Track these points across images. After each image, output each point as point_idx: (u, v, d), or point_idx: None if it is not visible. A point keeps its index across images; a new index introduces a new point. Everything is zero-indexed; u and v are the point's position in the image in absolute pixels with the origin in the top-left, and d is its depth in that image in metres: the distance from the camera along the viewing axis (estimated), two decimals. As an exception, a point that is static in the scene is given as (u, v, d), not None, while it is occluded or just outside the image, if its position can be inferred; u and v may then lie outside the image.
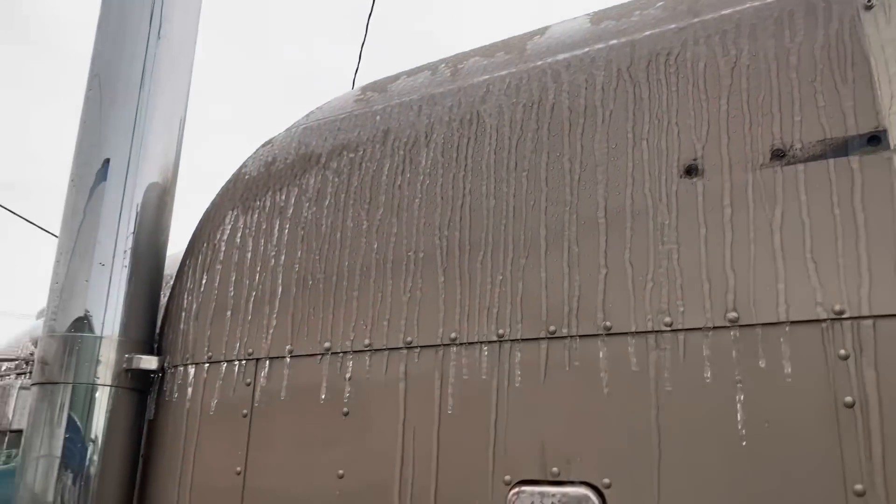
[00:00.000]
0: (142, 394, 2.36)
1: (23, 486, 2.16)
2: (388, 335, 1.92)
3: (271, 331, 2.11)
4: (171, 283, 2.52)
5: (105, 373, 2.27)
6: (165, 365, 2.33)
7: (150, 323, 2.43)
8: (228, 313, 2.20)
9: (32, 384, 2.32)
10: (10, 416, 3.26)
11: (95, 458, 2.20)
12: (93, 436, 2.22)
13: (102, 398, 2.25)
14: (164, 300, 2.50)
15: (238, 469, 2.02)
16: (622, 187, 1.73)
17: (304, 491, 1.91)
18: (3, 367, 3.43)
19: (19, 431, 3.16)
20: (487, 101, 2.02)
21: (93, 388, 2.25)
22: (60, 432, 2.21)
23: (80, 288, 2.31)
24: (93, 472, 2.20)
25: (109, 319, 2.32)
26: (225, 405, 2.12)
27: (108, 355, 2.28)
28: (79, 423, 2.22)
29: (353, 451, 1.87)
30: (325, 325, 2.03)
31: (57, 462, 2.18)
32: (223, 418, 2.11)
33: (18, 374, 3.36)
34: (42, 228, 7.25)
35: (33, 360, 3.21)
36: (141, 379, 2.35)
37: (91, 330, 2.28)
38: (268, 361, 2.08)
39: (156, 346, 2.43)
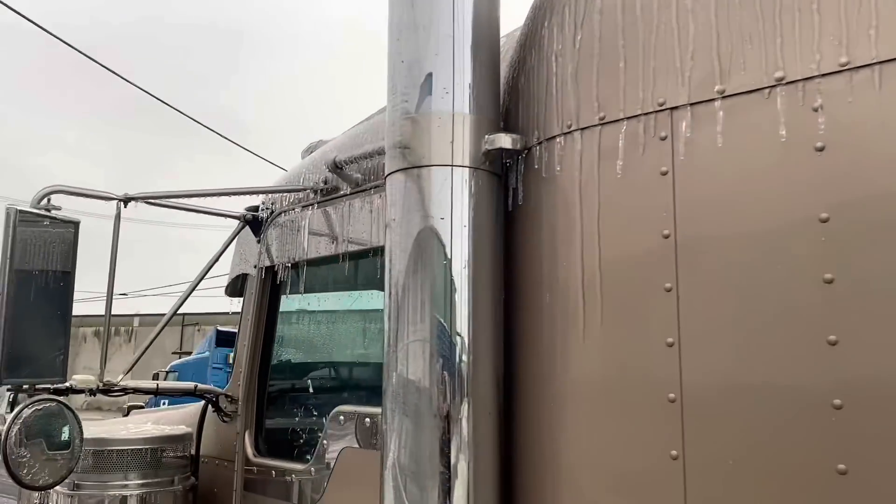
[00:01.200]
0: (498, 178, 2.11)
1: (395, 255, 1.97)
2: (877, 45, 1.51)
3: (687, 73, 1.75)
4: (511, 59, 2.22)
5: (465, 154, 2.02)
6: (534, 140, 2.04)
7: (497, 101, 2.16)
8: (621, 64, 1.86)
9: (390, 173, 2.11)
10: (306, 247, 3.16)
11: (465, 246, 1.99)
12: (462, 222, 2.00)
13: (465, 181, 2.01)
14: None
15: (666, 232, 1.72)
16: None
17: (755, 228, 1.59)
18: (289, 200, 3.34)
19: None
20: None
21: (459, 171, 2.01)
22: (426, 216, 1.99)
23: (430, 63, 2.05)
24: (463, 262, 1.98)
25: (460, 96, 2.05)
26: (634, 168, 1.81)
27: (466, 135, 2.04)
28: (444, 207, 1.99)
29: (838, 190, 1.51)
30: (770, 51, 1.64)
31: (423, 248, 1.98)
32: (633, 183, 1.81)
33: (304, 207, 3.24)
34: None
35: (323, 189, 3.06)
36: (496, 162, 2.09)
37: (448, 108, 2.02)
38: (689, 109, 1.73)
39: (501, 125, 2.17)
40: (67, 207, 3.12)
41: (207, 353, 24.44)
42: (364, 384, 3.32)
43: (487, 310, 2.02)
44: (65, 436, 2.99)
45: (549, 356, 1.97)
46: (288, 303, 3.46)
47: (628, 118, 1.84)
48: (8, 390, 3.00)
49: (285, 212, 3.39)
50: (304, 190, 3.23)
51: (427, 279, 1.99)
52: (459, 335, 1.96)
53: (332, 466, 2.87)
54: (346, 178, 3.00)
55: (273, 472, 3.21)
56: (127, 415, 5.51)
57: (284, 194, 3.44)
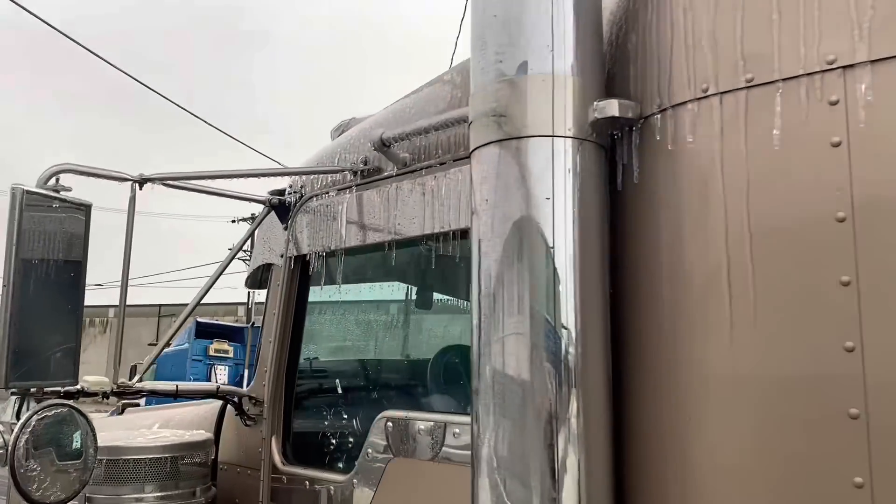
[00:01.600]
0: (605, 153, 1.83)
1: (487, 241, 1.70)
2: None
3: (866, 24, 1.47)
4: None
5: (571, 124, 1.74)
6: (654, 107, 1.76)
7: (603, 62, 1.87)
8: (775, 15, 1.58)
9: (479, 146, 1.82)
10: (344, 234, 2.86)
11: (571, 230, 1.70)
12: (568, 203, 1.72)
13: (571, 155, 1.73)
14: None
15: (840, 214, 1.45)
16: None
17: None
18: (322, 183, 3.03)
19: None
20: None
21: (563, 143, 1.72)
22: (528, 195, 1.70)
23: (530, 18, 1.75)
24: (569, 248, 1.70)
25: (564, 56, 1.77)
26: (795, 139, 1.53)
27: (572, 101, 1.75)
28: (547, 186, 1.70)
29: None
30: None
31: (524, 232, 1.70)
32: (794, 157, 1.53)
33: (340, 191, 2.93)
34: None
35: (364, 170, 2.76)
36: (603, 133, 1.81)
37: (551, 69, 1.73)
38: (869, 67, 1.45)
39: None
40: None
41: (187, 345, 23.98)
42: (409, 385, 3.03)
43: (596, 300, 1.76)
44: (77, 444, 2.67)
45: (672, 354, 1.71)
46: (320, 295, 3.16)
47: (785, 80, 1.56)
48: (13, 394, 2.66)
49: (317, 196, 3.07)
50: (342, 171, 2.92)
51: (528, 267, 1.71)
52: (566, 328, 1.69)
53: (378, 479, 2.58)
54: (394, 157, 2.70)
55: (306, 482, 2.91)
56: (122, 413, 5.16)
57: (315, 177, 3.13)
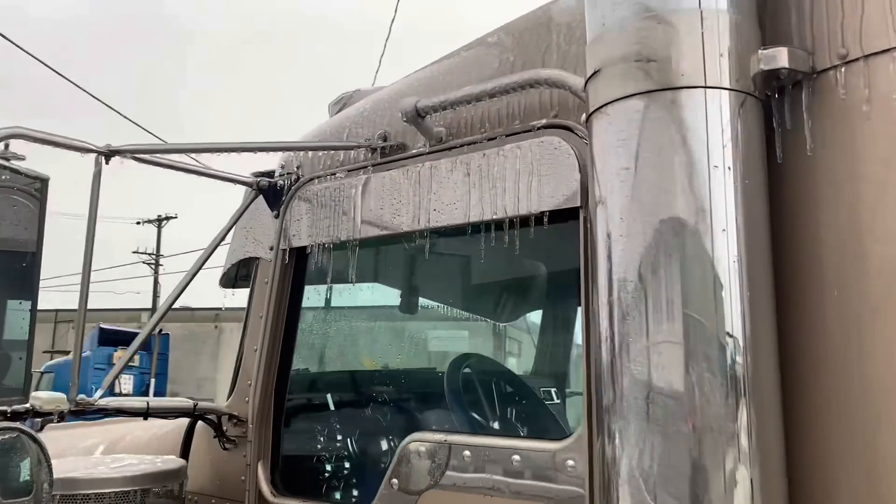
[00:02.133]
0: (766, 112, 1.49)
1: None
2: None
3: None
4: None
5: (731, 74, 1.39)
6: (834, 59, 1.43)
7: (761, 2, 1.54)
8: None
9: (614, 101, 1.45)
10: (359, 223, 2.43)
11: (736, 206, 1.36)
12: (732, 173, 1.37)
13: (734, 113, 1.38)
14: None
15: None
16: None
17: None
18: (325, 163, 2.57)
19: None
20: None
21: (725, 96, 1.37)
22: (687, 162, 1.35)
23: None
24: (733, 233, 1.35)
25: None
26: None
27: (732, 47, 1.39)
28: (714, 150, 1.35)
29: None
30: None
31: (684, 209, 1.35)
32: None
33: (352, 171, 2.50)
34: None
35: (384, 147, 2.35)
36: (762, 89, 1.47)
37: (709, 5, 1.38)
38: None
39: None
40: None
41: (89, 353, 22.65)
42: (432, 400, 2.61)
43: (764, 297, 1.41)
44: (26, 476, 2.13)
45: (857, 353, 1.38)
46: (319, 295, 2.70)
47: None
48: (-59, 416, 2.10)
49: (320, 178, 2.62)
50: (356, 148, 2.48)
51: (685, 260, 1.35)
52: (731, 335, 1.35)
53: (408, 515, 2.15)
54: (427, 131, 2.28)
55: (306, 518, 2.45)
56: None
57: (315, 157, 2.67)
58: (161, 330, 27.07)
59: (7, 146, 2.14)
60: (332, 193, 2.53)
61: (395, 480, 2.19)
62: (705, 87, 1.35)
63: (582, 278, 1.90)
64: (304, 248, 2.63)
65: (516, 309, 3.52)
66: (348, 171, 2.54)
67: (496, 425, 2.52)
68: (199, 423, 2.82)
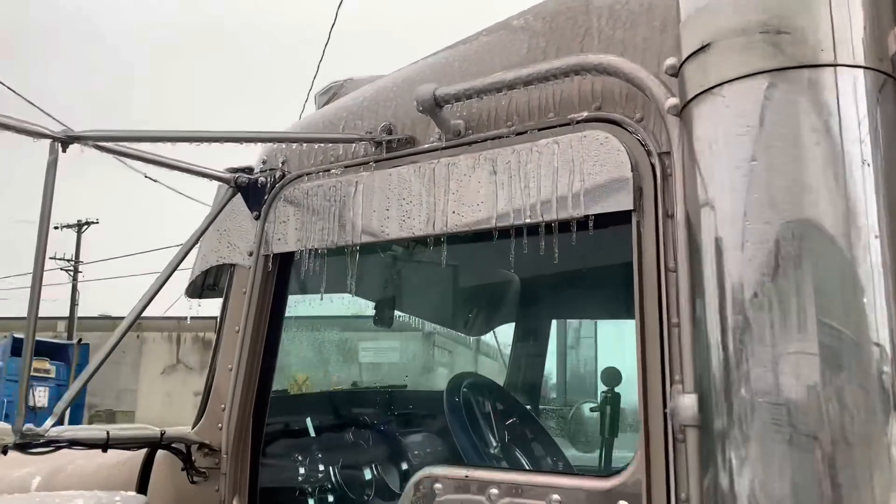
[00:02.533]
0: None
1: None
2: None
3: None
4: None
5: (868, 51, 1.19)
6: None
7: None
8: None
9: (732, 80, 1.23)
10: (359, 226, 2.15)
11: (880, 205, 1.16)
12: (878, 167, 1.16)
13: (879, 97, 1.18)
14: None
15: None
16: None
17: None
18: (315, 158, 2.27)
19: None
20: None
21: (868, 78, 1.16)
22: (830, 153, 1.14)
23: None
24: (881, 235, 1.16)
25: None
26: None
27: (867, 20, 1.20)
28: (864, 141, 1.15)
29: None
30: None
31: (822, 209, 1.14)
32: None
33: (349, 168, 2.21)
34: None
35: (389, 141, 2.09)
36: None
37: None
38: None
39: None
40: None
41: (1, 364, 21.47)
42: (441, 428, 2.33)
43: None
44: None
45: None
46: (307, 307, 2.39)
47: None
48: None
49: (310, 175, 2.32)
50: (358, 140, 2.19)
51: (819, 264, 1.13)
52: (878, 344, 1.14)
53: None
54: (444, 123, 2.02)
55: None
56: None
57: (304, 151, 2.37)
58: (80, 339, 25.76)
59: (-55, 125, 1.77)
60: (326, 192, 2.24)
61: (406, 519, 1.90)
62: (853, 65, 1.14)
63: (636, 290, 1.67)
64: (290, 254, 2.32)
65: (543, 321, 3.23)
66: (345, 167, 2.25)
67: (523, 457, 2.26)
68: (160, 451, 2.47)
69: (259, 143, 2.46)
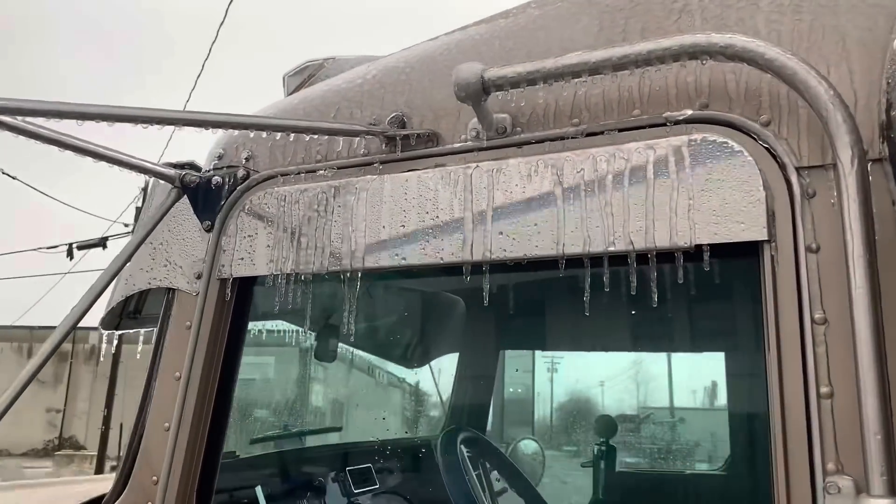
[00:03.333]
0: None
1: None
2: None
3: None
4: None
5: None
6: None
7: None
8: None
9: None
10: (361, 245, 1.65)
11: None
12: None
13: None
14: None
15: None
16: None
17: None
18: (291, 156, 1.73)
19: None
20: None
21: None
22: None
23: None
24: None
25: None
26: None
27: None
28: None
29: None
30: None
31: None
32: None
33: (344, 169, 1.70)
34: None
35: (406, 136, 1.63)
36: None
37: None
38: None
39: None
40: None
41: None
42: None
43: None
44: None
45: None
46: (278, 348, 1.83)
47: None
48: None
49: (285, 175, 1.78)
50: (362, 134, 1.67)
51: None
52: None
53: None
54: (486, 117, 1.55)
55: None
56: None
57: (272, 145, 1.83)
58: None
59: None
60: (312, 200, 1.71)
61: None
62: None
63: (767, 333, 1.27)
64: (254, 279, 1.78)
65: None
66: (338, 168, 1.73)
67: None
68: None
69: (212, 133, 1.89)
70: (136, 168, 1.79)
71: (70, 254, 22.95)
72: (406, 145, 1.65)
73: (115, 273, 1.75)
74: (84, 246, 22.90)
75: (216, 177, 1.86)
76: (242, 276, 1.77)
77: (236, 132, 1.88)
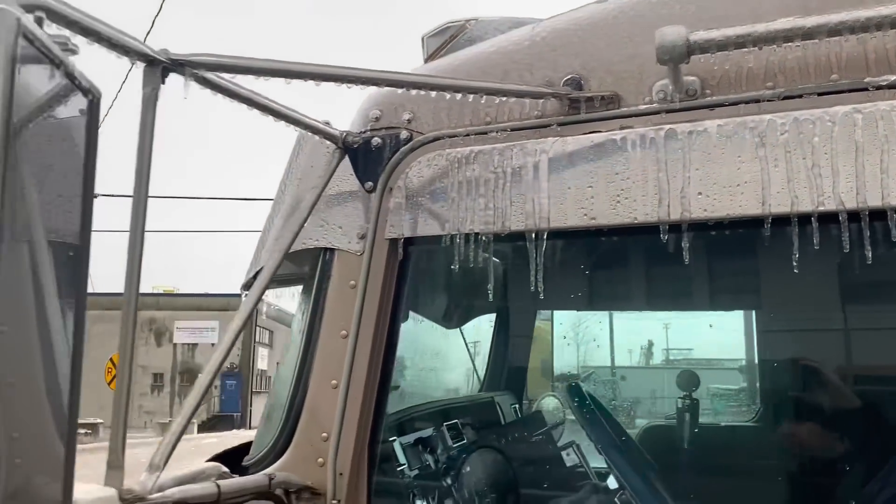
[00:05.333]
0: None
1: None
2: None
3: None
4: None
5: None
6: None
7: None
8: None
9: None
10: (561, 204, 1.70)
11: None
12: None
13: None
14: None
15: None
16: None
17: None
18: (467, 118, 1.75)
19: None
20: None
21: None
22: None
23: None
24: None
25: None
26: None
27: None
28: None
29: None
30: None
31: None
32: None
33: (535, 130, 1.73)
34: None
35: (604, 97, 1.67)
36: None
37: None
38: None
39: None
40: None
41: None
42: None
43: None
44: None
45: None
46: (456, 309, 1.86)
47: None
48: None
49: (452, 137, 1.80)
50: (552, 96, 1.70)
51: None
52: None
53: None
54: (679, 80, 1.59)
55: None
56: None
57: (435, 106, 1.84)
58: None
59: (41, 22, 1.10)
60: (487, 162, 1.73)
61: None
62: None
63: None
64: (424, 238, 1.80)
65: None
66: (511, 130, 1.76)
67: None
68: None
69: (364, 92, 1.90)
70: (308, 127, 1.79)
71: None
72: (593, 108, 1.69)
73: (290, 242, 1.76)
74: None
75: (376, 138, 1.86)
76: (414, 235, 1.79)
77: (390, 92, 1.88)
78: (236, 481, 1.58)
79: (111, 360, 19.88)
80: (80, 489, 1.18)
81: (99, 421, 21.07)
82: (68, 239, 1.13)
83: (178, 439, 1.44)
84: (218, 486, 1.49)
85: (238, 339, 1.68)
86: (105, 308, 29.79)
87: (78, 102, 1.16)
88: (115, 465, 1.31)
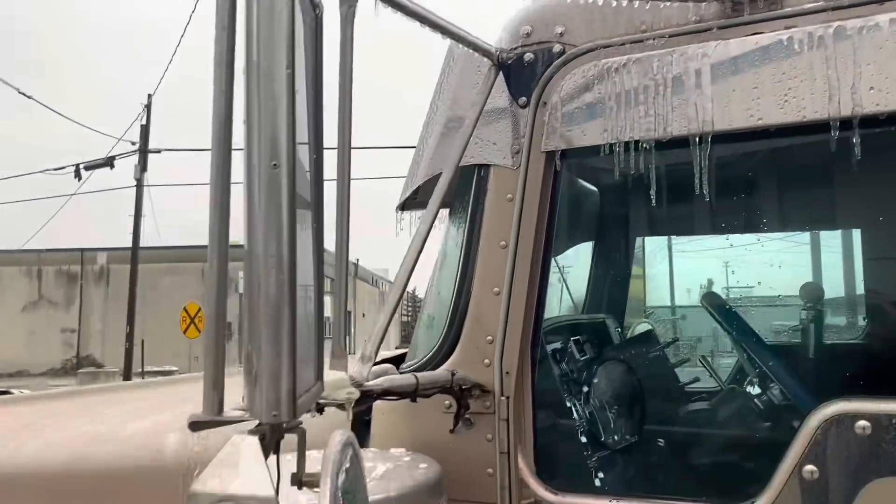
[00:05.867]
0: None
1: None
2: None
3: None
4: None
5: None
6: None
7: None
8: None
9: None
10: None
11: None
12: None
13: None
14: None
15: None
16: None
17: None
18: (622, 27, 1.78)
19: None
20: None
21: None
22: None
23: None
24: None
25: None
26: None
27: None
28: None
29: None
30: None
31: None
32: None
33: (694, 35, 1.75)
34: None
35: None
36: None
37: None
38: None
39: None
40: None
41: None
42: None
43: None
44: None
45: None
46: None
47: None
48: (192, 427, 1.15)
49: (607, 48, 1.84)
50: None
51: None
52: None
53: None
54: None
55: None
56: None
57: (586, 19, 1.88)
58: None
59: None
60: (646, 70, 1.77)
61: (811, 468, 1.57)
62: None
63: None
64: (581, 150, 1.86)
65: None
66: (669, 36, 1.79)
67: None
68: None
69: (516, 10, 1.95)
70: (469, 44, 1.85)
71: (77, 174, 22.75)
72: (759, 8, 1.71)
73: (458, 157, 1.84)
74: (92, 166, 22.68)
75: (528, 53, 1.91)
76: (573, 147, 1.85)
77: (541, 7, 1.92)
78: (429, 374, 1.70)
79: (185, 309, 20.57)
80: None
81: (174, 368, 21.94)
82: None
83: (384, 334, 1.56)
84: (416, 378, 1.61)
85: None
86: (172, 261, 30.71)
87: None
88: (339, 356, 1.43)
